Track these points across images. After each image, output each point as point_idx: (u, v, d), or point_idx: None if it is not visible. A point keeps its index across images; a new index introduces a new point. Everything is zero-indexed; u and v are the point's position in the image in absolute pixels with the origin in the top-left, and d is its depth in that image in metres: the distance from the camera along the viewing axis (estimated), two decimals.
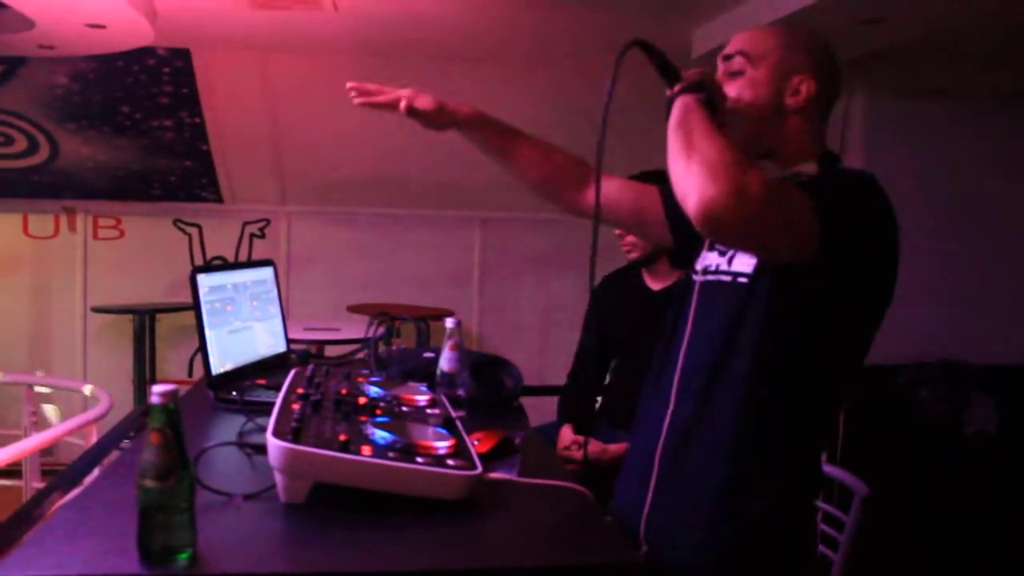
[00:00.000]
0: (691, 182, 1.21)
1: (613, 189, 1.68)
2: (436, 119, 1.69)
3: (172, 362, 5.14)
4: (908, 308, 4.02)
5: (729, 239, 1.32)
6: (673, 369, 1.46)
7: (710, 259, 1.50)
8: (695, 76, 1.38)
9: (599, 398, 2.82)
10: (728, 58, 1.47)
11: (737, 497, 1.34)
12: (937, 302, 4.11)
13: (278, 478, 1.22)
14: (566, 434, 2.66)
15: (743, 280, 1.38)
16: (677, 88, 1.37)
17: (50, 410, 3.42)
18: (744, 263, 1.39)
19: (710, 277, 1.47)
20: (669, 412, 1.43)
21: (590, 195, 1.58)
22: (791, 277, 1.30)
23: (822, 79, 1.44)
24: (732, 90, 1.44)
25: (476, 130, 1.71)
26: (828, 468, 2.26)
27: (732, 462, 1.34)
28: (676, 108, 1.34)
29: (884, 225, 1.33)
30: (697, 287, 1.50)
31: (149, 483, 0.99)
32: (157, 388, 0.99)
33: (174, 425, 1.00)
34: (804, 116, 1.44)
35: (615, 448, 2.43)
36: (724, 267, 1.44)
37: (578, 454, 2.51)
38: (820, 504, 2.14)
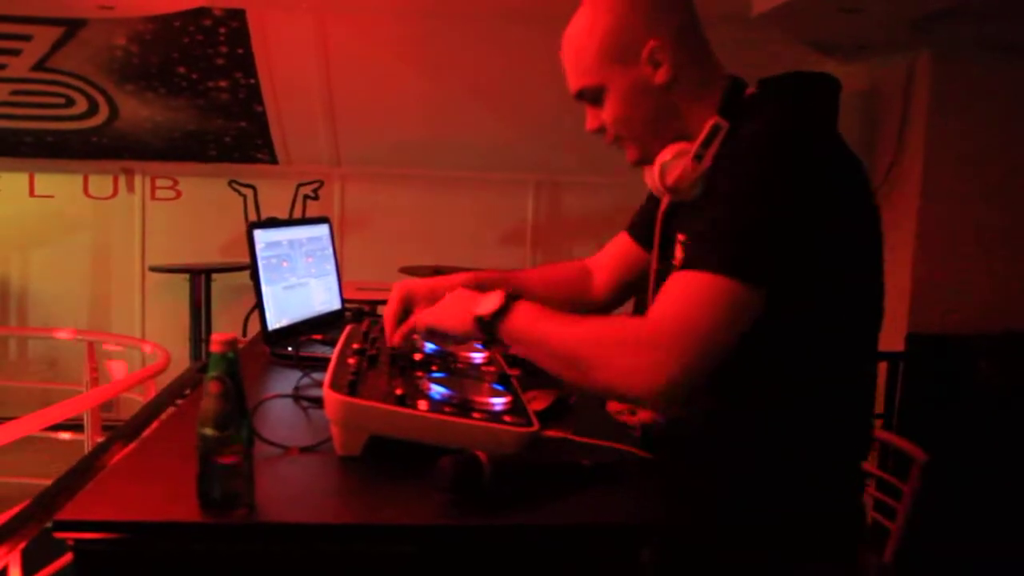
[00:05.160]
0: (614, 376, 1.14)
1: (608, 269, 1.68)
2: None
3: (227, 321, 5.20)
4: (971, 275, 3.94)
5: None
6: None
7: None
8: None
9: None
10: (580, 98, 1.36)
11: (771, 460, 1.30)
12: (1003, 269, 3.99)
13: (334, 431, 1.22)
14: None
15: None
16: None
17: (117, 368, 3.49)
18: None
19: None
20: None
21: (595, 290, 1.67)
22: None
23: (665, 24, 1.28)
24: (608, 114, 1.33)
25: None
26: (884, 435, 2.22)
27: (756, 443, 1.29)
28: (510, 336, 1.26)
29: (810, 207, 1.16)
30: (653, 277, 1.45)
31: (208, 431, 0.99)
32: (217, 336, 0.99)
33: (233, 374, 1.00)
34: (685, 75, 1.29)
35: None
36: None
37: (630, 419, 2.50)
38: (877, 472, 2.10)
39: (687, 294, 1.14)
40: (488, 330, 1.27)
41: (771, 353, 1.22)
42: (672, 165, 1.30)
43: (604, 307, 1.69)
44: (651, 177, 1.38)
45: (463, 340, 1.39)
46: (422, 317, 1.39)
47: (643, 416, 2.46)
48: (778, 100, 1.28)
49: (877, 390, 1.38)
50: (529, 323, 1.25)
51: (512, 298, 1.27)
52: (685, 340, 1.10)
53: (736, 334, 1.14)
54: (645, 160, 1.37)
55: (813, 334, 1.23)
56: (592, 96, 1.34)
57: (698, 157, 1.27)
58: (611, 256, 1.70)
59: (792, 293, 1.17)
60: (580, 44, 1.32)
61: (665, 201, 1.40)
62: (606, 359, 1.15)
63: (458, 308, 1.33)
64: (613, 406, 2.61)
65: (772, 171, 1.16)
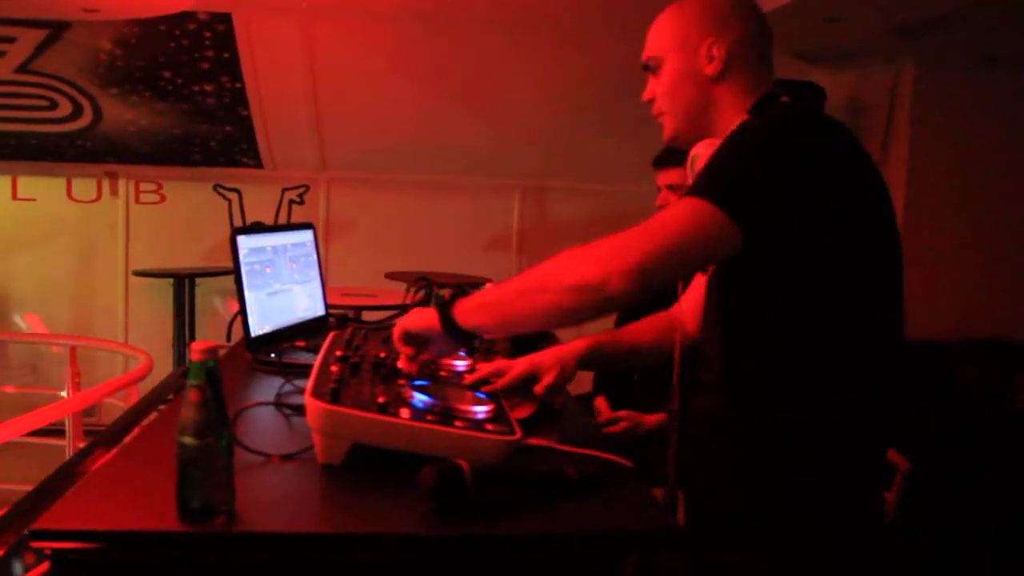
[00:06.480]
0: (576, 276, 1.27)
1: (695, 312, 1.66)
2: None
3: (211, 326, 5.19)
4: (956, 282, 3.96)
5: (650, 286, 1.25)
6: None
7: None
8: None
9: None
10: (645, 68, 1.51)
11: (774, 459, 1.33)
12: (986, 276, 4.02)
13: (316, 439, 1.21)
14: (600, 406, 2.65)
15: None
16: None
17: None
18: None
19: None
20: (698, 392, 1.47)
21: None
22: (746, 266, 1.30)
23: (730, 31, 1.42)
24: (660, 87, 1.48)
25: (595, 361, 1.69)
26: None
27: (760, 440, 1.34)
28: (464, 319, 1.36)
29: (804, 168, 1.25)
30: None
31: (188, 440, 0.99)
32: (197, 345, 0.98)
33: (213, 382, 0.99)
34: (733, 75, 1.43)
35: (652, 419, 2.41)
36: None
37: (614, 427, 2.50)
38: None
39: (663, 213, 1.28)
40: (446, 312, 1.36)
41: (775, 344, 1.31)
42: (702, 156, 1.41)
43: None
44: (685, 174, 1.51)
45: (431, 335, 1.41)
46: (399, 324, 1.47)
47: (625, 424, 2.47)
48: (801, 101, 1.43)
49: None
50: (486, 292, 1.41)
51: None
52: (648, 236, 1.24)
53: (699, 249, 1.25)
54: (676, 139, 1.50)
55: (819, 326, 1.29)
56: (654, 67, 1.48)
57: None
58: (696, 300, 1.70)
59: (794, 276, 1.27)
60: (662, 20, 1.48)
61: None
62: (572, 261, 1.29)
63: (426, 309, 1.44)
64: (597, 409, 2.61)
65: (765, 138, 1.28)
